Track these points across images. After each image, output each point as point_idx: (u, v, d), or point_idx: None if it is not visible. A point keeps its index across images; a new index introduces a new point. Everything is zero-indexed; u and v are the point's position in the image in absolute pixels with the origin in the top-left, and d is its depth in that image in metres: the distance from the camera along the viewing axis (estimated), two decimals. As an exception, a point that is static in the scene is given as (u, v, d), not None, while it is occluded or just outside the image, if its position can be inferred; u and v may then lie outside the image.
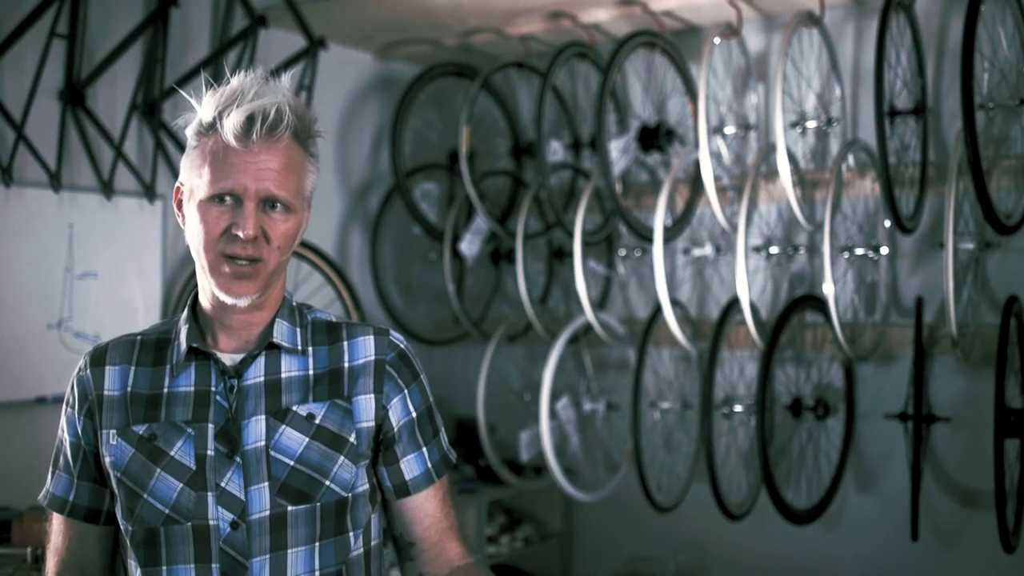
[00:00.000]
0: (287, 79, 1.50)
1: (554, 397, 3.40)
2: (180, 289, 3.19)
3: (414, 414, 1.55)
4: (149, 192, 3.11)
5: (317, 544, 1.46)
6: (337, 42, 3.66)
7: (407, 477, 1.55)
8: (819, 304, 3.12)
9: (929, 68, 3.10)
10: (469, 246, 3.68)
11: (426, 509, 1.57)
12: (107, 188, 3.01)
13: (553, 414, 3.40)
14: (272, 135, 1.41)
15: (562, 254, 3.82)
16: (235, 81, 1.45)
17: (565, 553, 3.90)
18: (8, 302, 2.82)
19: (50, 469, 1.56)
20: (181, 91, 1.46)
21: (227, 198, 1.41)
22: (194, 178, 1.44)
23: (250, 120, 1.40)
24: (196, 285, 1.55)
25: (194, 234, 1.44)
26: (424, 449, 1.56)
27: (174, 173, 3.19)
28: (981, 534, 2.95)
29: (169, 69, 3.11)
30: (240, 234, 1.40)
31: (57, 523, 1.54)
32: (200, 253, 1.44)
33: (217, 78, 3.25)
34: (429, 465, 1.56)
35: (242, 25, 3.23)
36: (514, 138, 3.88)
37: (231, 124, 1.40)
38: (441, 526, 1.58)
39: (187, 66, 3.16)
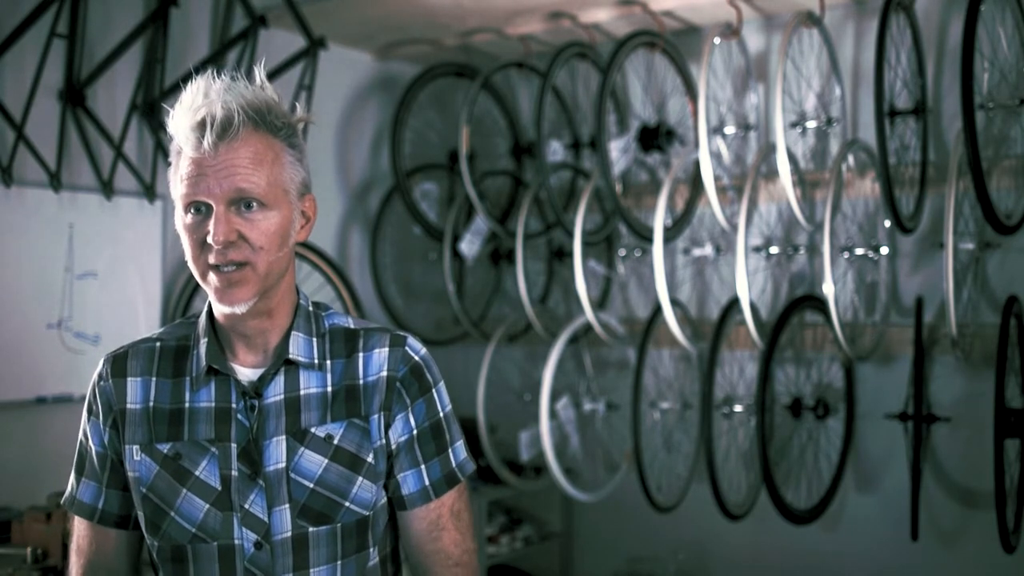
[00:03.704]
0: (260, 75, 1.44)
1: (554, 397, 3.40)
2: (180, 289, 3.19)
3: (415, 431, 1.50)
4: (149, 192, 3.11)
5: (339, 563, 1.46)
6: (337, 42, 3.66)
7: (403, 492, 1.51)
8: (819, 304, 3.11)
9: (929, 68, 3.10)
10: (469, 246, 3.68)
11: (413, 528, 1.53)
12: (107, 188, 3.01)
13: (553, 414, 3.40)
14: (226, 135, 1.35)
15: (562, 254, 3.82)
16: (188, 90, 1.39)
17: (565, 553, 3.90)
18: (8, 302, 2.82)
19: (73, 474, 1.55)
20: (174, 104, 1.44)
21: (201, 207, 1.37)
22: (175, 195, 1.41)
23: (201, 126, 1.35)
24: (198, 286, 1.50)
25: (184, 249, 1.41)
26: (423, 466, 1.51)
27: (174, 173, 3.19)
28: (981, 534, 2.95)
29: (169, 69, 3.11)
30: (210, 241, 1.35)
31: (83, 528, 1.54)
32: (191, 268, 1.41)
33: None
34: (427, 483, 1.51)
35: (242, 25, 3.23)
36: (514, 138, 3.88)
37: (183, 135, 1.37)
38: (425, 549, 1.53)
39: (187, 66, 3.12)
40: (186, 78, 1.45)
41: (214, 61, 3.17)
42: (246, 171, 1.36)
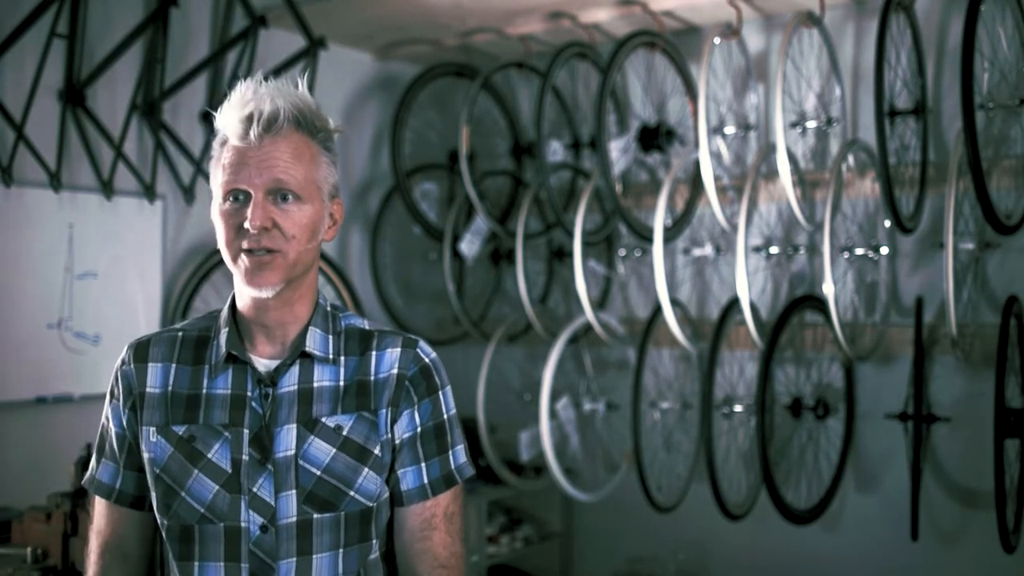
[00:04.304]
0: (302, 83, 1.55)
1: (554, 397, 3.40)
2: (180, 289, 3.19)
3: (419, 428, 1.55)
4: (149, 192, 3.11)
5: (341, 551, 1.50)
6: (337, 42, 3.66)
7: (401, 488, 1.55)
8: (819, 304, 3.12)
9: (929, 68, 3.10)
10: (469, 246, 3.68)
11: (407, 524, 1.57)
12: (107, 188, 3.01)
13: (553, 414, 3.40)
14: (271, 129, 1.45)
15: (562, 254, 3.82)
16: (239, 88, 1.49)
17: (565, 553, 3.90)
18: (8, 302, 2.82)
19: (94, 456, 1.62)
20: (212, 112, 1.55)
21: (240, 196, 1.46)
22: (214, 186, 1.50)
23: (248, 119, 1.45)
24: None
25: (218, 235, 1.49)
26: (423, 464, 1.56)
27: (174, 173, 3.19)
28: (981, 534, 2.95)
29: (169, 69, 3.11)
30: (247, 226, 1.43)
31: (101, 507, 1.60)
32: (224, 252, 1.49)
33: (217, 78, 3.27)
34: (425, 480, 1.55)
35: (242, 25, 3.23)
36: (514, 138, 3.88)
37: (231, 126, 1.46)
38: (415, 547, 1.56)
39: (187, 66, 3.16)
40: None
41: (214, 61, 3.17)
42: (286, 164, 1.45)
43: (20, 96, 2.79)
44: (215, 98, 3.28)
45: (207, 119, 3.27)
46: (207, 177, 3.45)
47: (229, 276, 1.53)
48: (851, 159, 3.17)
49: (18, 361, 2.84)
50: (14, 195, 2.82)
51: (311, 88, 3.55)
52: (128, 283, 3.10)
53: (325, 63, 3.38)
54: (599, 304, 3.67)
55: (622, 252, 3.67)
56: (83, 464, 2.44)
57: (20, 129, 2.77)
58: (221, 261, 3.22)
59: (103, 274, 3.03)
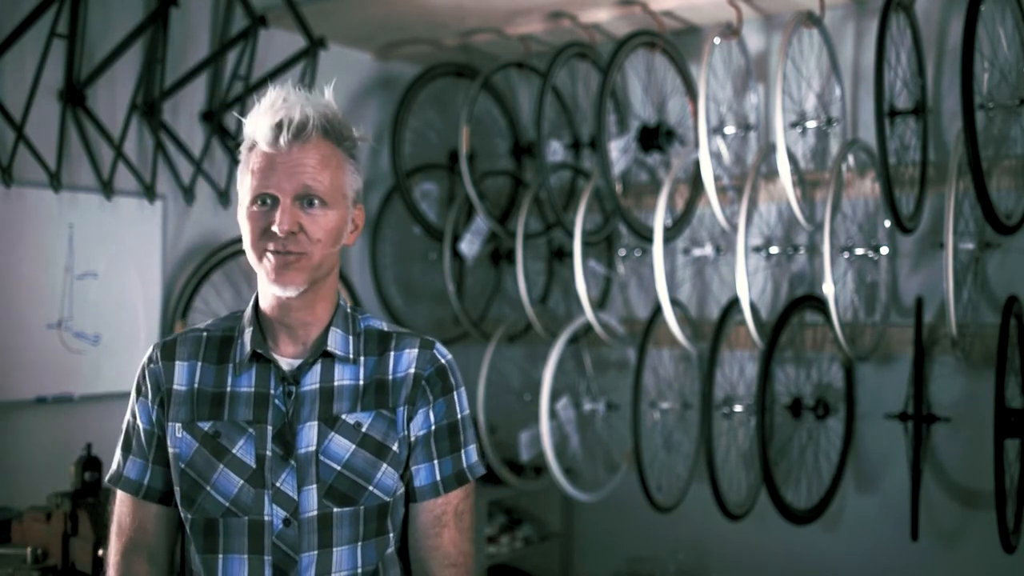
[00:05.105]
0: (329, 91, 1.59)
1: (554, 397, 3.40)
2: (180, 289, 3.19)
3: (433, 427, 1.60)
4: (149, 192, 3.11)
5: (360, 544, 1.55)
6: (337, 42, 3.66)
7: (415, 484, 1.60)
8: (819, 304, 3.12)
9: (929, 68, 3.10)
10: (469, 246, 3.68)
11: (419, 520, 1.61)
12: (107, 188, 3.01)
13: (553, 414, 3.40)
14: (300, 136, 1.50)
15: (562, 254, 3.82)
16: (268, 95, 1.54)
17: (565, 553, 3.91)
18: (8, 302, 2.82)
19: (120, 453, 1.65)
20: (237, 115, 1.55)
21: (267, 199, 1.50)
22: (242, 188, 1.54)
23: (279, 126, 1.49)
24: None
25: (244, 236, 1.54)
26: (436, 461, 1.60)
27: (174, 173, 3.19)
28: (981, 534, 2.95)
29: (169, 69, 3.11)
30: (276, 229, 1.48)
31: (126, 504, 1.63)
32: (249, 252, 1.54)
33: (217, 78, 3.27)
34: (437, 477, 1.60)
35: (242, 25, 3.23)
36: (514, 138, 3.88)
37: (262, 132, 1.51)
38: (426, 543, 1.60)
39: (187, 66, 3.16)
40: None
41: (214, 61, 3.17)
42: (313, 171, 1.50)
43: (20, 96, 2.79)
44: (215, 98, 3.28)
45: (207, 119, 3.27)
46: (207, 177, 3.45)
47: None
48: (851, 159, 3.17)
49: (18, 361, 2.84)
50: (14, 195, 2.82)
51: (311, 88, 3.55)
52: (128, 283, 3.10)
53: (325, 63, 3.38)
54: (599, 304, 3.67)
55: (622, 252, 3.67)
56: (83, 464, 2.44)
57: (20, 129, 2.77)
58: (221, 261, 3.24)
59: (103, 274, 3.03)
